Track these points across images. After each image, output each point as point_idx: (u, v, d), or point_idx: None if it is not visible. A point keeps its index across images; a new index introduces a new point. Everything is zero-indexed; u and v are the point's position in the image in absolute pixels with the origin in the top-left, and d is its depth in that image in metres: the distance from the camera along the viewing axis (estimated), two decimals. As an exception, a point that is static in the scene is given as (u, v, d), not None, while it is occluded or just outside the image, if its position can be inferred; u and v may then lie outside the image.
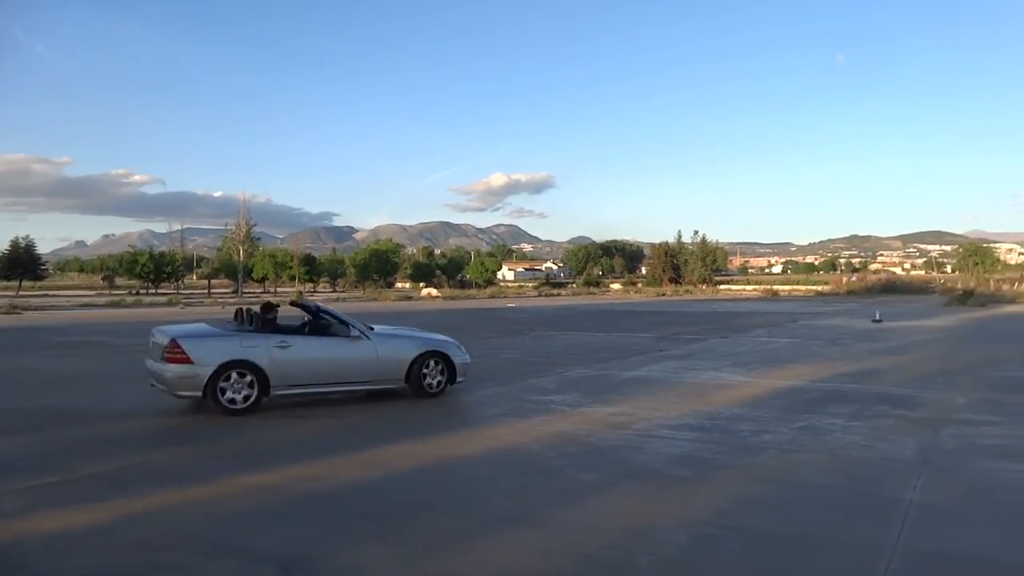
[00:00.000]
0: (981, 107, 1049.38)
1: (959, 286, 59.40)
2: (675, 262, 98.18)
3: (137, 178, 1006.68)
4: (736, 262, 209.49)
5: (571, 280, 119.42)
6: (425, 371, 10.45)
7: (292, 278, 79.00)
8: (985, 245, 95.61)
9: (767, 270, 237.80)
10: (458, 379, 10.80)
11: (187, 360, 8.89)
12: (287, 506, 5.56)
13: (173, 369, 8.92)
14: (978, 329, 24.08)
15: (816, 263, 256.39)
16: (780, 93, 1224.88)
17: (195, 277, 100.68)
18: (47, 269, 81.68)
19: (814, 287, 79.04)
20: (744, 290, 79.51)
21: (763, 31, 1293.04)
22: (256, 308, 10.42)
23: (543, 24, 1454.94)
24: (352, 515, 5.35)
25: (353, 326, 10.40)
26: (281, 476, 6.34)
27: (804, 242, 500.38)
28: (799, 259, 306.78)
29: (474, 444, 7.63)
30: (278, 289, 76.85)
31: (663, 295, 68.71)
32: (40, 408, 9.77)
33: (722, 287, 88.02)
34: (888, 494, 5.82)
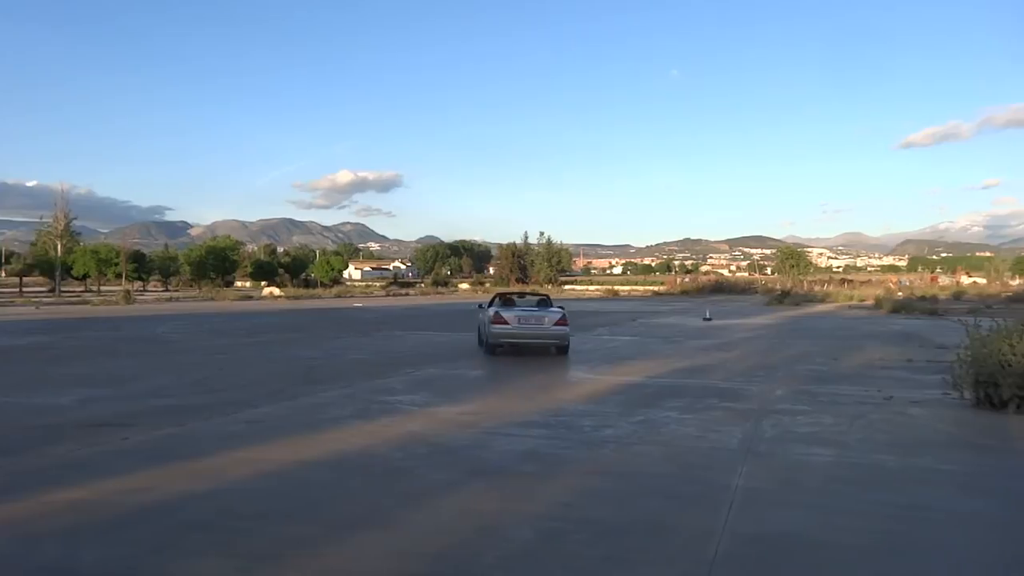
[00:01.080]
0: (795, 122, 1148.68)
1: (778, 287, 64.85)
2: (522, 263, 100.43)
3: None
4: (580, 263, 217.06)
5: (419, 280, 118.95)
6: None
7: (118, 276, 73.29)
8: (799, 249, 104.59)
9: (608, 271, 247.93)
10: None
11: (567, 324, 15.81)
12: (112, 521, 5.14)
13: (564, 330, 15.72)
14: (793, 326, 26.31)
15: (653, 264, 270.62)
16: (618, 104, 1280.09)
17: (4, 274, 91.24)
18: None
19: (651, 287, 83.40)
20: (587, 290, 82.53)
21: (601, 45, 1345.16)
22: (511, 295, 20.02)
23: (387, 23, 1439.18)
24: (185, 528, 5.03)
25: (559, 305, 17.28)
26: (103, 490, 5.85)
27: (642, 244, 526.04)
28: (638, 260, 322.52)
29: (319, 448, 7.40)
30: (102, 287, 71.17)
31: (510, 295, 69.66)
32: None
33: (567, 287, 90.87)
34: (717, 481, 6.22)
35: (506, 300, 17.84)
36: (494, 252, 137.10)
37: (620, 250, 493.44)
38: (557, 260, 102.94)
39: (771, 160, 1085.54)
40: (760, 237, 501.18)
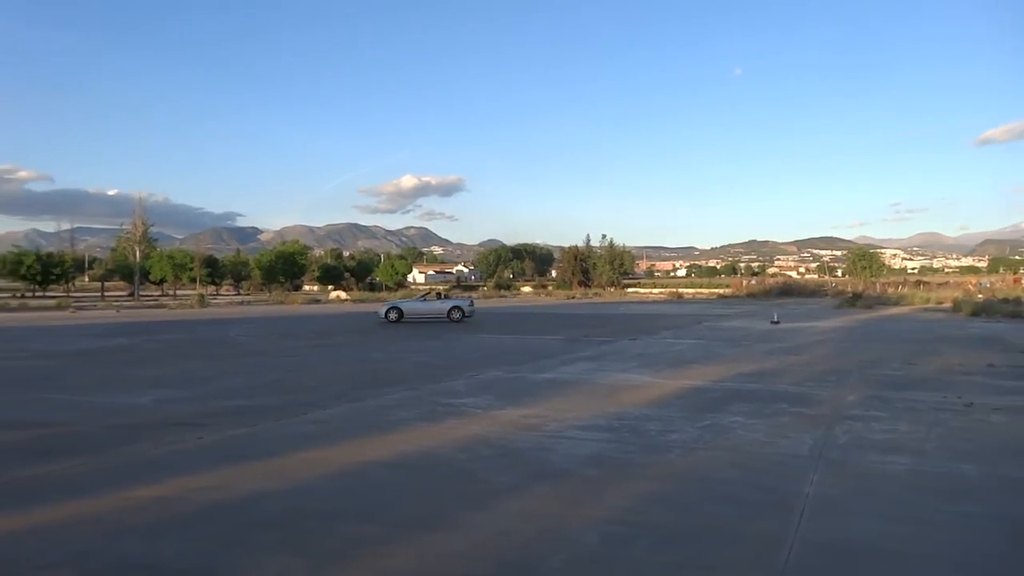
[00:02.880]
0: (866, 120, 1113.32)
1: (849, 289, 62.93)
2: (584, 265, 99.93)
3: (23, 174, 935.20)
4: (643, 265, 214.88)
5: (482, 283, 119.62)
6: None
7: (193, 280, 75.92)
8: (871, 250, 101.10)
9: (672, 273, 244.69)
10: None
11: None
12: (188, 518, 5.33)
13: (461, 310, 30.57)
14: (866, 330, 25.48)
15: (718, 267, 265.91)
16: (681, 104, 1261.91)
17: (87, 279, 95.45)
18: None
19: (716, 290, 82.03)
20: (651, 293, 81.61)
21: (663, 45, 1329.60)
22: (437, 293, 33.99)
23: (451, 28, 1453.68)
24: (257, 525, 5.17)
25: (449, 298, 32.78)
26: (178, 487, 6.07)
27: (707, 246, 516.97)
28: (702, 263, 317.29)
29: (385, 449, 7.51)
30: (177, 291, 73.79)
31: (573, 298, 69.73)
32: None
33: (630, 290, 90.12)
34: (787, 488, 6.06)
35: (448, 296, 33.89)
36: (556, 255, 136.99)
37: (684, 252, 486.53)
38: (620, 263, 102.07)
39: (840, 159, 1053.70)
40: (830, 238, 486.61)
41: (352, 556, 4.61)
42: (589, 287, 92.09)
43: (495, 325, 28.00)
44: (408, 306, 31.34)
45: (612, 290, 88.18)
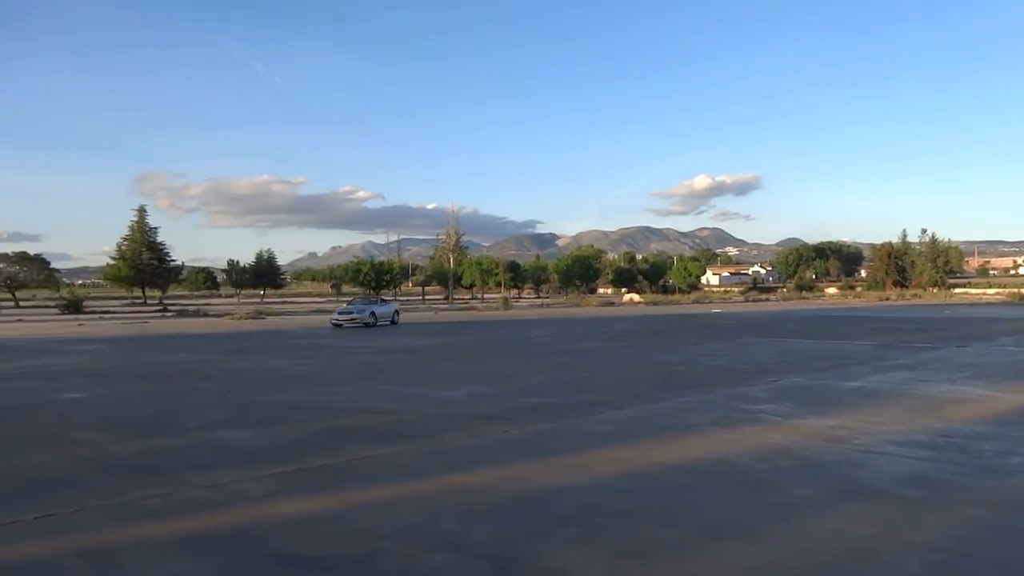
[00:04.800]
0: None
1: None
2: (900, 264, 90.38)
3: (361, 194, 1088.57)
4: (974, 263, 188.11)
5: (781, 284, 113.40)
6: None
7: (498, 284, 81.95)
8: None
9: (1013, 271, 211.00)
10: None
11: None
12: (495, 505, 5.75)
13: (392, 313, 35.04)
14: None
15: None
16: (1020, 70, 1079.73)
17: (410, 284, 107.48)
18: (285, 278, 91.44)
19: (1074, 290, 69.21)
20: (985, 294, 71.48)
21: (992, 15, 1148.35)
22: (381, 299, 42.18)
23: (741, 25, 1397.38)
24: (558, 518, 5.42)
25: (388, 303, 37.86)
26: (488, 476, 6.58)
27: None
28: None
29: (680, 452, 7.46)
30: (485, 295, 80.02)
31: (886, 299, 63.43)
32: (281, 404, 10.89)
33: (956, 290, 79.71)
34: None
35: (384, 301, 39.51)
36: (866, 253, 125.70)
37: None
38: (944, 260, 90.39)
39: None
40: None
41: (649, 556, 4.64)
42: (906, 288, 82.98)
43: (795, 329, 26.40)
44: (380, 310, 33.94)
45: (934, 291, 78.52)
